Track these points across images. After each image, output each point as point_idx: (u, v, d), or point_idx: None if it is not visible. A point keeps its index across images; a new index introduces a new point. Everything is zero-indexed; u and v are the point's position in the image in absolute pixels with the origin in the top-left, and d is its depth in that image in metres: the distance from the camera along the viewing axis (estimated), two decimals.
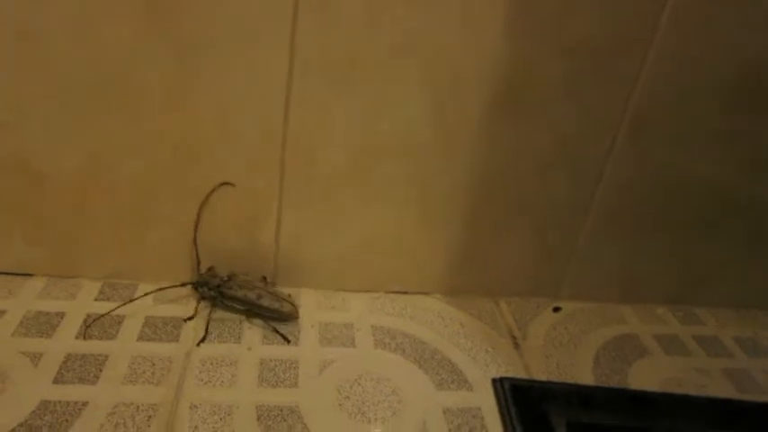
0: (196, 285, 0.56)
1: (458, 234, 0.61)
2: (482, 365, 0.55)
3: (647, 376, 0.57)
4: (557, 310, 0.65)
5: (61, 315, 0.53)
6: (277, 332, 0.54)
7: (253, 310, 0.55)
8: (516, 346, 0.59)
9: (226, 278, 0.55)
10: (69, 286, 0.57)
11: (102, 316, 0.53)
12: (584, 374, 0.56)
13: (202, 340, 0.52)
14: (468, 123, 0.55)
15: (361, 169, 0.56)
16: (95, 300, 0.56)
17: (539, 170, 0.59)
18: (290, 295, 0.58)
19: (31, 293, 0.56)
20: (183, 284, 0.56)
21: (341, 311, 0.59)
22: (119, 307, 0.54)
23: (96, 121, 0.51)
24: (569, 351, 0.59)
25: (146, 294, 0.56)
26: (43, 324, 0.52)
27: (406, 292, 0.63)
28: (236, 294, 0.55)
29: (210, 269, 0.57)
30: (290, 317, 0.56)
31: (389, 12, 0.49)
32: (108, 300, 0.56)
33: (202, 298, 0.56)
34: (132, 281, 0.59)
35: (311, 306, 0.59)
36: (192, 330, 0.54)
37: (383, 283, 0.63)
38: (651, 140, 0.58)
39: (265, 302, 0.55)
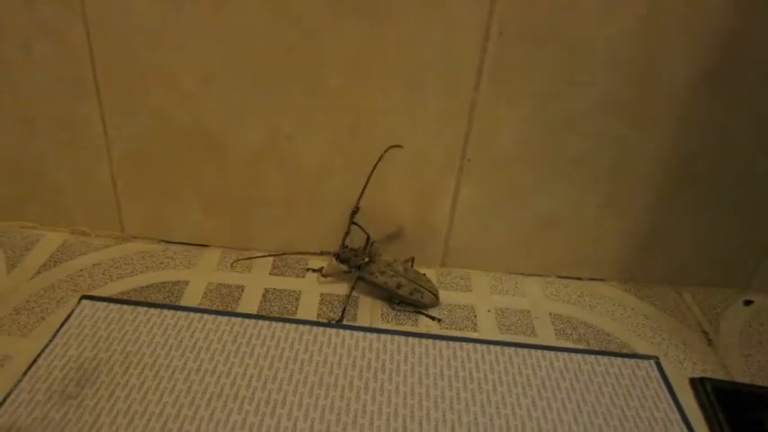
0: (338, 258, 0.53)
1: (643, 217, 0.56)
2: (675, 362, 0.50)
3: None
4: (748, 303, 0.59)
5: (241, 288, 0.54)
6: (424, 314, 0.52)
7: (393, 296, 0.53)
8: (709, 342, 0.53)
9: (367, 259, 0.53)
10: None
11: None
12: None
13: (339, 320, 0.51)
14: (670, 99, 0.50)
15: (548, 144, 0.52)
16: (270, 274, 0.56)
17: (744, 152, 0.52)
18: (428, 280, 0.55)
19: (210, 265, 0.56)
20: (321, 252, 0.54)
21: (515, 296, 0.56)
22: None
23: (279, 92, 0.50)
24: None
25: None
26: (225, 297, 0.53)
27: (579, 278, 0.59)
28: (377, 281, 0.52)
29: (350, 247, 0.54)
30: (430, 306, 0.54)
31: None
32: (281, 274, 0.56)
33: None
34: (303, 255, 0.58)
35: (484, 289, 0.56)
36: (369, 311, 0.53)
37: (556, 268, 0.59)
38: None
39: (404, 292, 0.52)
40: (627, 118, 0.51)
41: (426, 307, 0.53)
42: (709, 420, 0.45)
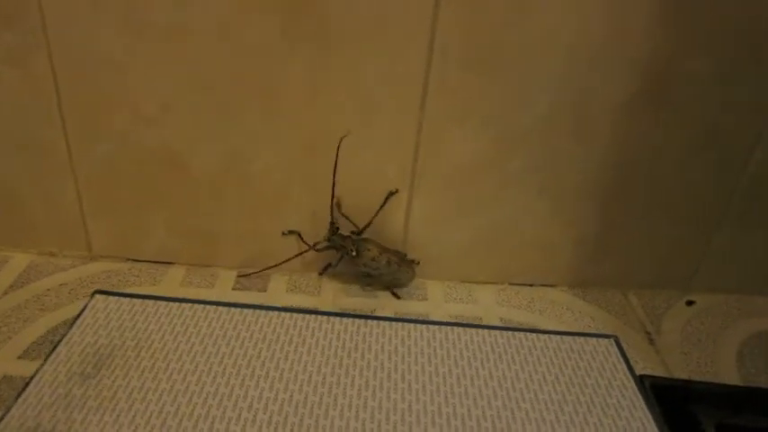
0: (330, 241, 0.56)
1: (589, 224, 0.59)
2: None
3: None
4: (690, 303, 0.62)
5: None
6: (392, 293, 0.58)
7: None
8: (651, 341, 0.57)
9: (354, 254, 0.55)
10: (207, 275, 0.60)
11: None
12: (728, 374, 0.54)
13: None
14: (609, 113, 0.53)
15: (495, 158, 0.55)
16: (233, 289, 0.58)
17: (680, 160, 0.56)
18: (407, 270, 0.58)
19: (174, 281, 0.58)
20: (315, 246, 0.57)
21: (468, 304, 0.59)
22: None
23: (237, 115, 0.53)
24: (709, 348, 0.56)
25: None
26: None
27: (531, 285, 0.62)
28: (360, 270, 0.57)
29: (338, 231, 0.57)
30: (405, 285, 0.59)
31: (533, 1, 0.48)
32: (243, 289, 0.58)
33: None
34: (265, 271, 0.60)
35: (439, 298, 0.59)
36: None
37: (508, 275, 0.62)
38: None
39: (385, 279, 0.58)
40: (568, 132, 0.54)
41: (401, 286, 0.59)
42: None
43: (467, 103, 0.52)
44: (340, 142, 0.52)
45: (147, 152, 0.54)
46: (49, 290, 0.56)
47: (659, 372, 0.53)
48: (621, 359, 0.52)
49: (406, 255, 0.59)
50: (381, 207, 0.56)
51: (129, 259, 0.61)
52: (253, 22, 0.48)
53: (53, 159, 0.55)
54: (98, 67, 0.51)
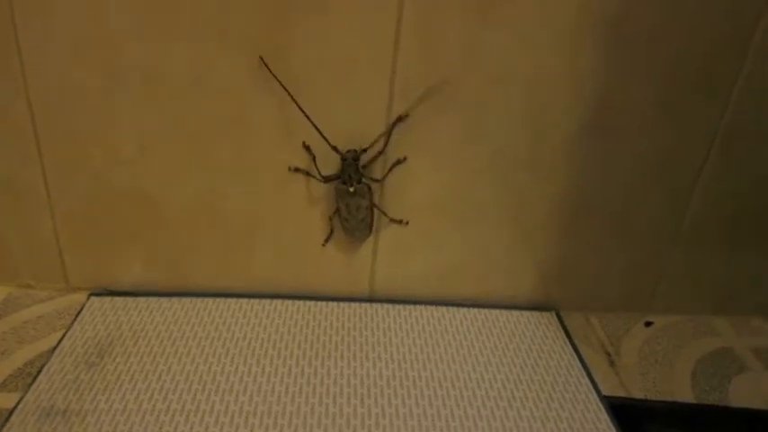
0: (344, 159, 0.53)
1: (549, 252, 0.62)
2: None
3: (747, 393, 0.56)
4: (648, 324, 0.65)
5: None
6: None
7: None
8: (611, 363, 0.59)
9: (353, 190, 0.54)
10: None
11: None
12: (682, 392, 0.56)
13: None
14: (563, 144, 0.56)
15: (456, 192, 0.57)
16: None
17: (631, 186, 0.59)
18: (368, 234, 0.59)
19: None
20: (334, 147, 0.53)
21: None
22: None
23: (209, 154, 0.55)
24: (665, 367, 0.59)
25: None
26: None
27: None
28: (338, 204, 0.56)
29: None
30: (356, 241, 0.60)
31: (487, 41, 0.51)
32: None
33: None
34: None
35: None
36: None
37: (473, 301, 0.64)
38: (745, 154, 0.58)
39: (346, 225, 0.57)
40: (525, 165, 0.57)
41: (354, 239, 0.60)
42: None
43: (427, 141, 0.55)
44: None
45: (123, 190, 0.56)
46: (26, 322, 0.57)
47: (618, 392, 0.55)
48: (561, 330, 0.61)
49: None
50: (389, 134, 0.54)
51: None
52: (222, 67, 0.51)
53: (31, 196, 0.57)
54: (75, 109, 0.53)
